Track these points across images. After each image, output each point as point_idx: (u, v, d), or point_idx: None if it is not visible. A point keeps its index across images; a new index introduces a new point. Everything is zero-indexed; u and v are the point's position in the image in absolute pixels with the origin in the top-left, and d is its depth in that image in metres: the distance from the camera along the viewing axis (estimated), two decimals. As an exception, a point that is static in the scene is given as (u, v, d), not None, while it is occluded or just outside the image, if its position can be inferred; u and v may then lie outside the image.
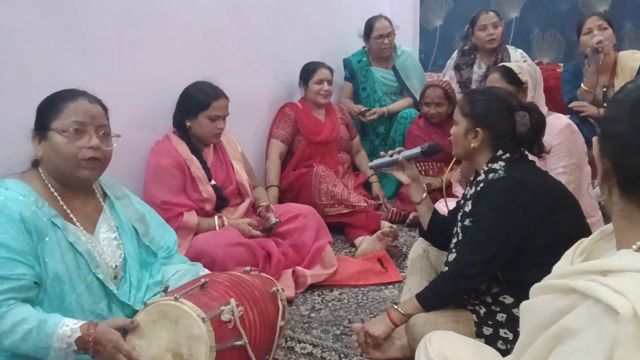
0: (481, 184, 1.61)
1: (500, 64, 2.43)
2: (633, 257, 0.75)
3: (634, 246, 0.76)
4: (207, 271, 1.73)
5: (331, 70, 3.11)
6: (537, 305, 0.80)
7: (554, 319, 0.74)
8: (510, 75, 2.20)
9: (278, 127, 3.05)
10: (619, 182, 0.78)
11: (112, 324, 1.28)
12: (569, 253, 0.94)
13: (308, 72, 3.08)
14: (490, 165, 1.62)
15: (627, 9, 3.60)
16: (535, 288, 0.83)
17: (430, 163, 3.10)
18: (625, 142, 0.76)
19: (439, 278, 1.66)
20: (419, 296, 1.63)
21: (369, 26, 3.47)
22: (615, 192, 0.80)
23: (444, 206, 2.37)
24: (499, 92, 1.71)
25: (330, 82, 3.08)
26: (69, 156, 1.38)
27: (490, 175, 1.59)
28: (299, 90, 3.20)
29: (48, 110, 1.40)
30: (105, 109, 1.49)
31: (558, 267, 0.92)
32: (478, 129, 1.62)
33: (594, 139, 0.82)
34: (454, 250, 1.68)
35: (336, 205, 2.77)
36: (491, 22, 3.20)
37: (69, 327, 1.24)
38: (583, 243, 0.94)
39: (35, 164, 1.45)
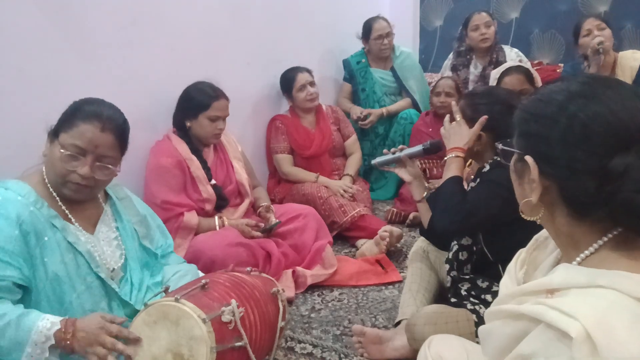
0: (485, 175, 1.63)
1: (516, 65, 2.43)
2: (574, 271, 0.74)
3: (577, 259, 0.76)
4: (201, 274, 1.73)
5: (310, 72, 3.02)
6: (492, 331, 0.80)
7: (510, 345, 0.73)
8: (530, 77, 2.22)
9: (277, 140, 3.00)
10: (566, 203, 0.76)
11: (100, 315, 1.28)
12: (511, 267, 0.95)
13: (288, 81, 3.00)
14: (496, 158, 1.63)
15: (627, 9, 3.60)
16: (488, 313, 0.83)
17: (433, 161, 3.09)
18: (572, 166, 0.73)
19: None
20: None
21: (368, 27, 3.48)
22: (561, 212, 0.78)
23: None
24: (500, 94, 1.70)
25: (312, 84, 2.99)
26: (59, 173, 1.37)
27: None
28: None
29: (65, 119, 1.39)
30: (120, 135, 1.43)
31: (504, 285, 0.93)
32: (481, 133, 1.62)
33: (528, 158, 0.78)
34: (455, 244, 1.69)
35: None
36: (483, 21, 3.23)
37: (49, 320, 1.23)
38: (522, 254, 0.95)
39: None
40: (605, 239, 0.74)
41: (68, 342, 1.22)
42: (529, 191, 0.80)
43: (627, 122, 0.71)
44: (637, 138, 0.70)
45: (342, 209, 2.73)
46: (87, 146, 1.36)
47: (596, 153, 0.71)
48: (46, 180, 1.40)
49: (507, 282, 0.92)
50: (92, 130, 1.36)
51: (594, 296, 0.69)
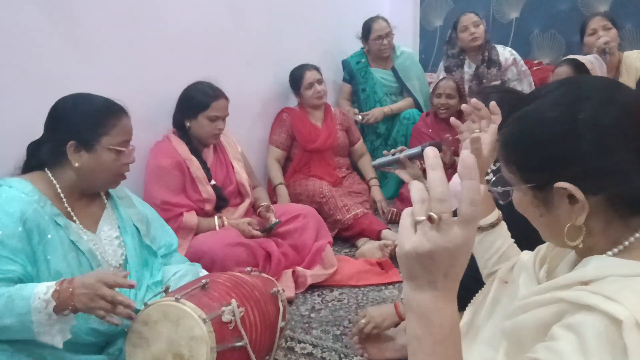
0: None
1: (570, 57, 2.45)
2: (610, 262, 0.72)
3: (610, 253, 0.74)
4: (205, 272, 1.74)
5: (317, 69, 3.06)
6: (521, 323, 0.76)
7: (545, 329, 0.70)
8: (581, 70, 2.22)
9: (274, 132, 3.05)
10: (621, 207, 0.72)
11: (96, 273, 1.27)
12: (529, 265, 0.92)
13: (296, 79, 3.06)
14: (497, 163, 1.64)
15: (627, 9, 3.60)
16: (514, 308, 0.79)
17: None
18: (623, 169, 0.70)
19: None
20: None
21: (367, 27, 3.49)
22: (603, 220, 0.73)
23: (457, 184, 2.40)
24: (509, 89, 1.75)
25: (320, 82, 3.04)
26: (113, 172, 1.46)
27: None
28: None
29: (97, 125, 1.42)
30: None
31: (524, 284, 0.89)
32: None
33: (565, 184, 0.71)
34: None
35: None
36: (471, 21, 3.28)
37: (45, 285, 1.21)
38: (541, 251, 0.92)
39: (39, 166, 1.44)
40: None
41: (69, 299, 1.20)
42: (566, 217, 0.74)
43: (629, 99, 0.71)
44: None
45: (346, 207, 2.75)
46: (129, 137, 1.49)
47: (629, 142, 0.69)
48: (54, 182, 1.41)
49: (527, 281, 0.89)
50: (128, 122, 1.49)
51: (636, 284, 0.66)
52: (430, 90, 3.24)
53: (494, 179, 0.85)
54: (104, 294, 1.21)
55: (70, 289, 1.20)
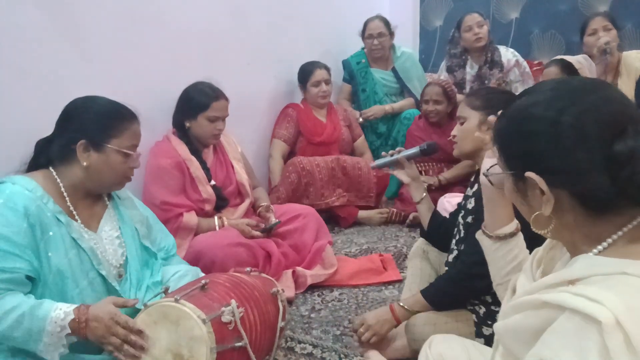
0: None
1: (558, 57, 2.44)
2: (595, 261, 0.74)
3: (595, 250, 0.76)
4: (202, 275, 1.74)
5: (328, 69, 3.12)
6: (512, 325, 0.78)
7: (534, 336, 0.71)
8: (570, 70, 2.21)
9: (280, 127, 3.07)
10: (584, 205, 0.75)
11: (111, 301, 1.31)
12: (527, 266, 0.94)
13: (305, 74, 3.11)
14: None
15: (627, 9, 3.60)
16: (507, 308, 0.81)
17: (429, 163, 3.11)
18: (579, 169, 0.73)
19: (445, 277, 1.64)
20: (425, 293, 1.62)
21: (364, 26, 3.51)
22: (575, 215, 0.76)
23: (447, 201, 2.36)
24: (500, 89, 1.73)
25: (327, 82, 3.09)
26: (120, 174, 1.47)
27: None
28: (300, 91, 3.21)
29: (109, 127, 1.44)
30: None
31: (521, 285, 0.91)
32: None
33: (532, 174, 0.76)
34: (455, 249, 1.68)
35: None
36: (475, 22, 3.29)
37: (62, 310, 1.26)
38: (538, 253, 0.94)
39: (45, 165, 1.45)
40: (625, 229, 0.74)
41: (82, 330, 1.26)
42: (538, 206, 0.79)
43: (611, 109, 0.73)
44: (626, 119, 0.72)
45: (321, 191, 2.86)
46: (138, 142, 1.52)
47: (596, 147, 0.72)
48: (58, 180, 1.42)
49: (524, 281, 0.90)
50: (138, 128, 1.52)
51: (619, 283, 0.68)
52: (420, 96, 3.22)
53: (494, 164, 0.92)
54: (117, 333, 1.26)
55: (84, 320, 1.25)
